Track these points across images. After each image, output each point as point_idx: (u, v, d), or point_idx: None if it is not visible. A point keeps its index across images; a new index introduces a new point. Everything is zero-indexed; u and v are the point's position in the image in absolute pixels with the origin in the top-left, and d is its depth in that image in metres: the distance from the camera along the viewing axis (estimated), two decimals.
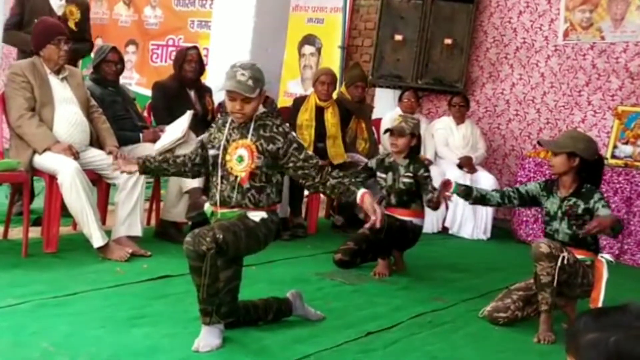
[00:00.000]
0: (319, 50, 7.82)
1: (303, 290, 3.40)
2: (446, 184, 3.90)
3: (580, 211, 3.46)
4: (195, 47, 5.25)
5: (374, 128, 5.98)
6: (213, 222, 2.96)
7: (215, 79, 5.07)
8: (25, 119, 4.05)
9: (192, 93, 5.10)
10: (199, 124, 4.69)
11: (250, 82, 2.85)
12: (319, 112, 5.44)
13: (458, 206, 5.77)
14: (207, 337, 2.81)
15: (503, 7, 6.69)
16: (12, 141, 4.19)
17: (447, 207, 5.72)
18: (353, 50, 7.61)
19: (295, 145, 2.93)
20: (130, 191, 4.16)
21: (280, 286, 3.63)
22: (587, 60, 6.19)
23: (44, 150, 4.02)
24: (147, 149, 4.41)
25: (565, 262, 3.32)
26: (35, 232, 4.27)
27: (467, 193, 3.85)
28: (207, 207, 3.06)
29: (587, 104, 6.20)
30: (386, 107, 6.66)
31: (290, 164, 2.93)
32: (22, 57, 4.66)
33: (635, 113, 5.76)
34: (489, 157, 6.58)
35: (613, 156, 5.71)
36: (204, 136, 3.17)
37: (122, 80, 5.15)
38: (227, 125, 2.99)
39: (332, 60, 7.57)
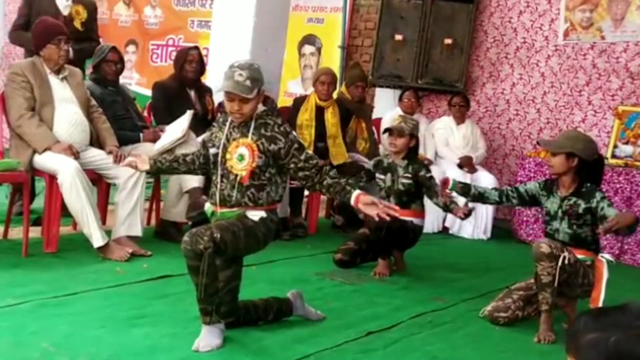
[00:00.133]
0: (319, 50, 7.82)
1: (303, 290, 3.39)
2: (445, 182, 3.91)
3: (580, 210, 3.46)
4: (197, 47, 5.26)
5: (374, 128, 5.97)
6: (213, 222, 2.96)
7: (215, 79, 5.06)
8: (25, 118, 4.05)
9: (192, 93, 5.10)
10: (199, 124, 4.70)
11: (248, 83, 2.84)
12: (319, 112, 5.43)
13: None
14: (208, 337, 2.81)
15: (503, 7, 6.68)
16: (12, 141, 4.19)
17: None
18: (353, 50, 7.60)
19: (296, 145, 2.93)
20: (130, 191, 4.16)
21: (280, 286, 3.63)
22: (588, 60, 6.19)
23: (44, 150, 4.02)
24: (147, 149, 4.40)
25: (566, 262, 3.32)
26: (35, 232, 4.27)
27: (465, 190, 3.85)
28: (208, 206, 3.06)
29: (588, 104, 6.19)
30: (386, 107, 6.66)
31: (292, 165, 2.93)
32: (29, 57, 4.66)
33: (635, 113, 5.76)
34: (489, 157, 6.57)
35: (613, 156, 5.71)
36: (205, 135, 3.17)
37: (122, 80, 5.14)
38: (228, 123, 2.98)
39: (332, 60, 7.56)
